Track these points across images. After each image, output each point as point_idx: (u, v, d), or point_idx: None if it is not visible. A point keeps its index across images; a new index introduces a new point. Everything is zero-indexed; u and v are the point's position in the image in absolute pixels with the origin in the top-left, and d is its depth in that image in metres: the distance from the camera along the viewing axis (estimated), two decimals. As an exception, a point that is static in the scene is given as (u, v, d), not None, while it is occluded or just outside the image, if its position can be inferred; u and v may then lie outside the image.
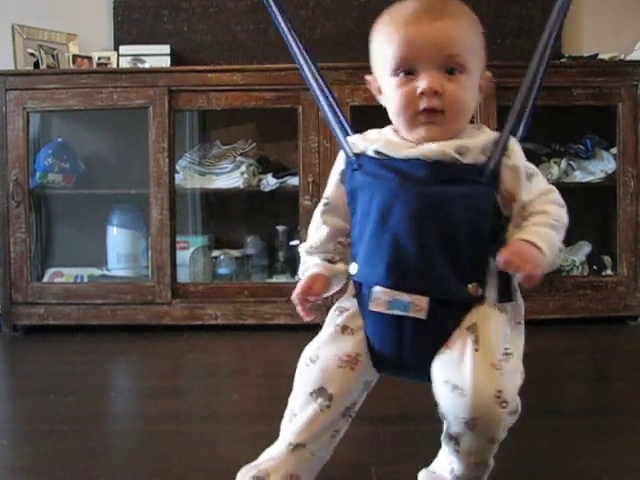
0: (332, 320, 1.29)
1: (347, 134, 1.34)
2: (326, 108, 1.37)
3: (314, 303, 1.29)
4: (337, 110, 1.37)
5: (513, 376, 1.17)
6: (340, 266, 1.32)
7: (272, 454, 1.28)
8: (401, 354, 1.24)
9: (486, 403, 1.12)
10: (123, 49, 3.39)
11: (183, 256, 3.24)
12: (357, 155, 1.28)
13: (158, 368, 2.57)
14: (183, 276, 3.21)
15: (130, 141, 3.40)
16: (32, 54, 3.29)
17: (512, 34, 3.47)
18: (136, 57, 3.35)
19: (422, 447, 1.43)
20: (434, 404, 1.18)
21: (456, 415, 1.15)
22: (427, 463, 1.37)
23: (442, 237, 1.19)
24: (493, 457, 1.25)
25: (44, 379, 2.37)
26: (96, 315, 3.11)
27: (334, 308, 1.31)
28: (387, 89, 1.26)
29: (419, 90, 1.19)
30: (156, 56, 3.35)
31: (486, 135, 1.24)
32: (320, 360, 1.26)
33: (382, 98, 1.30)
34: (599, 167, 3.24)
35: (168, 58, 3.36)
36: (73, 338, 3.02)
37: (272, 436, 1.30)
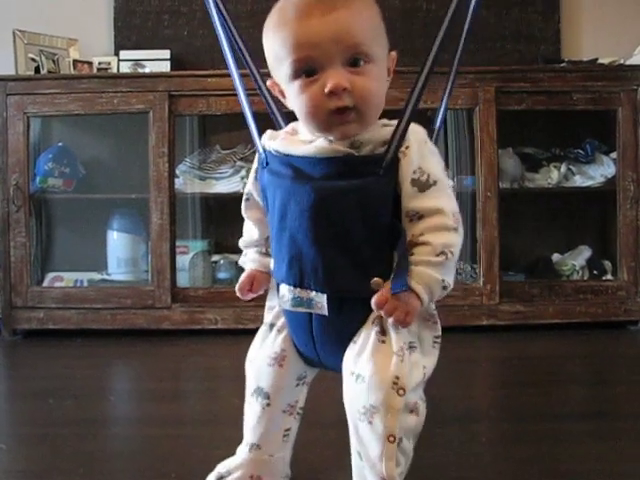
0: (265, 318, 1.35)
1: (275, 128, 1.33)
2: (243, 98, 1.36)
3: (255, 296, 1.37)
4: (272, 105, 1.36)
5: (414, 369, 1.17)
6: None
7: (237, 454, 1.36)
8: (315, 349, 1.27)
9: (383, 387, 1.13)
10: (123, 54, 3.40)
11: (183, 260, 3.24)
12: (266, 152, 1.27)
13: (158, 372, 2.56)
14: (183, 280, 3.21)
15: (130, 146, 3.41)
16: (33, 59, 3.30)
17: (511, 38, 3.47)
18: (136, 62, 3.36)
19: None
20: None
21: (358, 408, 1.15)
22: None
23: (336, 233, 1.16)
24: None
25: (43, 383, 2.37)
26: (96, 319, 3.11)
27: (266, 306, 1.36)
28: (290, 94, 1.19)
29: (326, 90, 1.11)
30: (156, 61, 3.36)
31: (390, 128, 1.18)
32: (254, 360, 1.34)
33: (287, 101, 1.23)
34: (599, 172, 3.24)
35: (168, 63, 3.37)
36: (73, 342, 3.01)
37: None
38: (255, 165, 1.33)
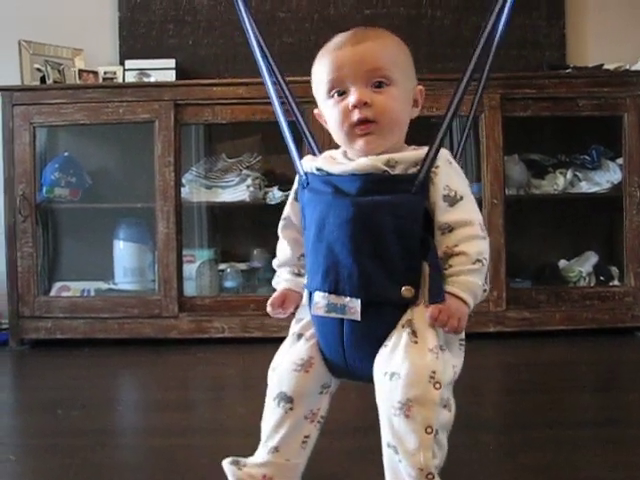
0: (291, 329, 1.42)
1: (314, 154, 1.45)
2: (285, 127, 1.46)
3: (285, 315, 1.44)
4: (305, 129, 1.49)
5: (447, 366, 1.23)
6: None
7: (255, 455, 1.39)
8: (345, 356, 1.32)
9: (420, 380, 1.19)
10: (129, 63, 3.41)
11: (189, 269, 3.24)
12: (307, 174, 1.38)
13: (165, 381, 2.57)
14: (190, 289, 3.22)
15: (136, 155, 3.42)
16: (38, 69, 3.31)
17: (517, 45, 3.47)
18: (142, 71, 3.36)
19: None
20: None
21: (393, 403, 1.20)
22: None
23: (372, 243, 1.27)
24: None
25: (51, 393, 2.37)
26: (103, 329, 3.12)
27: (294, 319, 1.43)
28: (326, 111, 1.35)
29: (350, 104, 1.28)
30: (161, 70, 3.36)
31: (422, 151, 1.30)
32: (279, 367, 1.38)
33: (327, 124, 1.38)
34: (605, 178, 3.23)
35: (173, 72, 3.37)
36: (80, 352, 3.02)
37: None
38: (295, 187, 1.43)
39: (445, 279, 1.25)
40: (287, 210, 1.45)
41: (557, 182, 3.24)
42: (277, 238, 1.47)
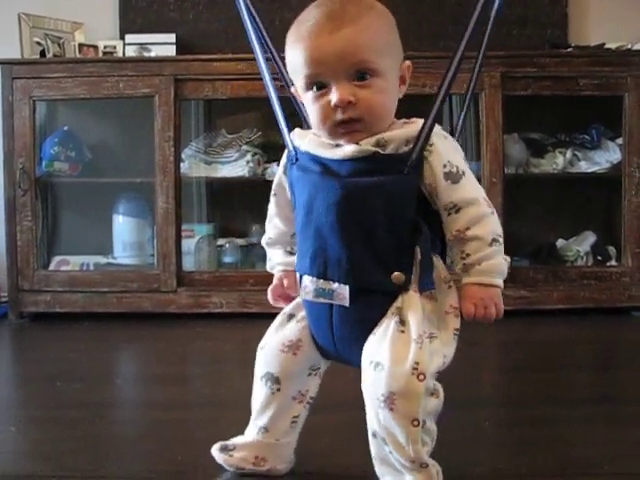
0: (284, 308, 1.39)
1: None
2: (274, 99, 1.37)
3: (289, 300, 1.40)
4: (301, 107, 1.36)
5: (434, 355, 1.20)
6: None
7: (245, 435, 1.41)
8: (334, 340, 1.29)
9: (403, 373, 1.16)
10: (129, 38, 3.40)
11: (188, 244, 3.25)
12: (296, 149, 1.32)
13: (164, 356, 2.58)
14: (188, 264, 3.23)
15: (136, 130, 3.41)
16: (38, 43, 3.29)
17: (518, 24, 3.46)
18: (142, 46, 3.35)
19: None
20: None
21: (377, 396, 1.18)
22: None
23: (361, 227, 1.21)
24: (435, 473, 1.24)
25: (50, 366, 2.38)
26: (102, 303, 3.13)
27: None
28: (305, 103, 1.27)
29: (332, 104, 1.19)
30: (162, 45, 3.35)
31: (413, 127, 1.23)
32: (267, 346, 1.37)
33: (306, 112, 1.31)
34: (604, 157, 3.23)
35: (174, 47, 3.36)
36: (79, 325, 3.03)
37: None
38: (284, 161, 1.36)
39: (467, 269, 1.22)
40: (275, 185, 1.40)
41: (556, 161, 3.24)
42: (276, 214, 1.43)
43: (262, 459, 1.38)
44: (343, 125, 1.21)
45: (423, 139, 1.20)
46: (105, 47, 3.39)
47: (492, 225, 1.23)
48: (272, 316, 1.41)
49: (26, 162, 3.12)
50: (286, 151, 1.35)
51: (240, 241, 3.37)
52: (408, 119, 1.26)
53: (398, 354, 1.18)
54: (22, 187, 3.11)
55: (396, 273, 1.21)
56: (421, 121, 1.23)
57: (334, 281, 1.24)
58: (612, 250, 3.25)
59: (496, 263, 1.22)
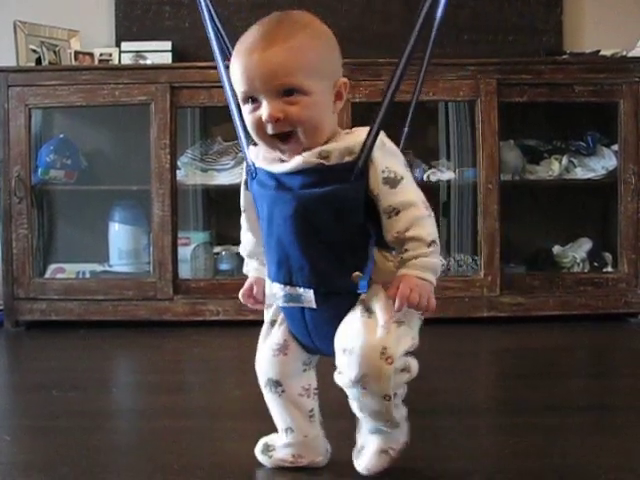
0: (265, 317, 1.47)
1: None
2: (235, 112, 1.40)
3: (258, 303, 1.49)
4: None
5: (402, 338, 1.27)
6: None
7: (279, 437, 1.48)
8: (311, 338, 1.38)
9: (372, 357, 1.22)
10: (125, 45, 3.40)
11: (185, 252, 3.24)
12: (254, 165, 1.38)
13: (160, 364, 2.57)
14: (185, 272, 3.22)
15: (132, 137, 3.41)
16: (34, 50, 3.29)
17: (513, 30, 3.46)
18: (138, 53, 3.35)
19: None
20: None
21: (350, 378, 1.25)
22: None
23: (317, 236, 1.29)
24: (404, 418, 1.34)
25: (46, 375, 2.38)
26: (98, 311, 3.12)
27: (265, 306, 1.47)
28: (244, 114, 1.31)
29: (263, 119, 1.25)
30: (158, 52, 3.35)
31: (355, 137, 1.28)
32: (260, 356, 1.45)
33: None
34: (600, 164, 3.24)
35: (170, 54, 3.37)
36: (75, 334, 3.03)
37: (272, 432, 1.32)
38: (244, 177, 1.43)
39: (404, 262, 1.27)
40: (243, 202, 1.47)
41: (552, 168, 3.24)
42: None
43: (299, 456, 1.46)
44: (276, 138, 1.27)
45: (368, 147, 1.26)
46: (101, 55, 3.39)
47: (430, 227, 1.28)
48: (268, 324, 1.42)
49: (22, 170, 3.12)
50: (244, 166, 1.42)
51: (236, 249, 3.34)
52: (350, 129, 1.32)
53: (366, 338, 1.23)
54: (18, 195, 3.11)
55: (355, 273, 1.27)
56: (362, 130, 1.28)
57: (299, 286, 1.32)
58: (608, 256, 3.26)
59: (433, 261, 1.27)
